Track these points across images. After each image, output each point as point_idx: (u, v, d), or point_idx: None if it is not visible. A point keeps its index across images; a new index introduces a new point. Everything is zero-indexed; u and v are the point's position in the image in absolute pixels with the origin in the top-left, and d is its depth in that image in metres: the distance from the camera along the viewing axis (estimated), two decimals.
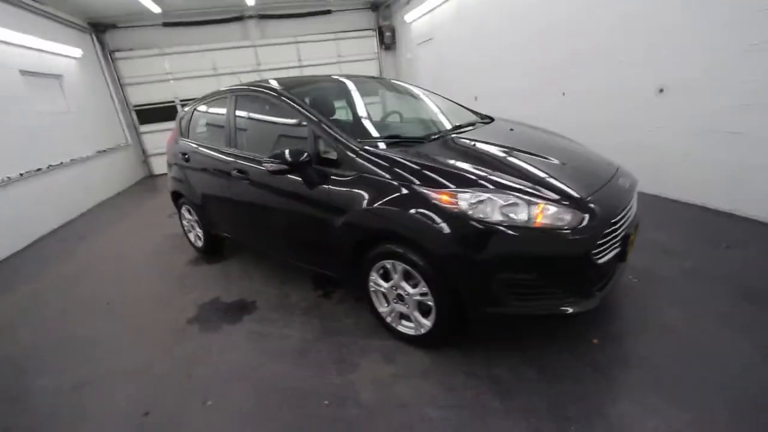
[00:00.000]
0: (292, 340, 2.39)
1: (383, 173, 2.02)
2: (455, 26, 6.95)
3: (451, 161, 2.01)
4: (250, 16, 9.00)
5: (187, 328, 2.66)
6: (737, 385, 1.70)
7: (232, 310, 2.83)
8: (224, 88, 3.25)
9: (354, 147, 2.16)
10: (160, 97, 8.91)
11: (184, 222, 3.99)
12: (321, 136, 2.30)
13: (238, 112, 2.96)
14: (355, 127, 2.61)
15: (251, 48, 9.20)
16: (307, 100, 2.57)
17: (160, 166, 9.16)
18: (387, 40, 9.77)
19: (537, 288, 1.77)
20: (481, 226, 1.72)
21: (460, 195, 1.79)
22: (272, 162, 2.25)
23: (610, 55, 4.08)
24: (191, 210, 3.68)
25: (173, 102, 8.98)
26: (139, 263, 3.91)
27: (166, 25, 8.50)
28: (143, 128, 9.05)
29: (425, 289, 1.94)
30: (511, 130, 2.68)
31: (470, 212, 1.75)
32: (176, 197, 3.92)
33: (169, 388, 2.11)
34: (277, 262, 3.41)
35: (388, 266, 2.07)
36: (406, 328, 2.18)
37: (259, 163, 2.62)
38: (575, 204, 1.78)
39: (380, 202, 1.97)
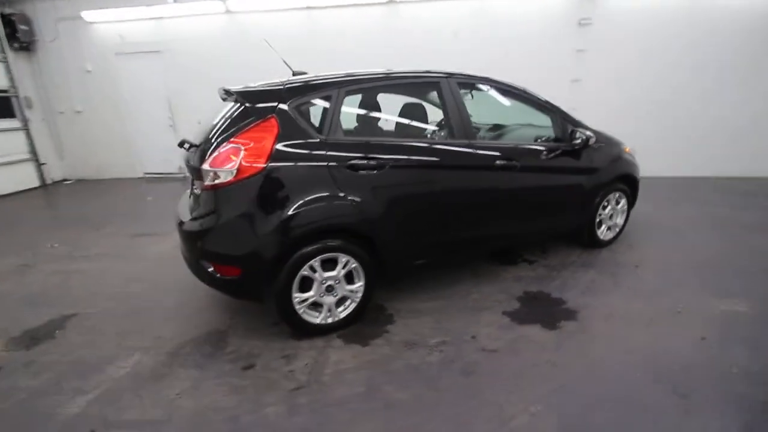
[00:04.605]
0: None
1: (609, 142, 3.30)
2: (216, 43, 6.31)
3: None
4: None
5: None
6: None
7: (548, 312, 2.61)
8: (418, 71, 2.54)
9: (590, 128, 3.18)
10: None
11: (298, 297, 2.15)
12: (570, 124, 3.03)
13: (465, 101, 2.60)
14: None
15: None
16: None
17: None
18: (23, 36, 6.29)
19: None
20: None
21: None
22: (581, 139, 2.83)
23: None
24: (350, 253, 2.21)
25: None
26: None
27: None
28: None
29: (625, 203, 3.49)
30: None
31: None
32: (287, 249, 2.05)
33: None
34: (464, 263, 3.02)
35: (613, 197, 3.36)
36: (602, 233, 3.50)
37: (530, 148, 2.83)
38: None
39: (621, 159, 3.28)
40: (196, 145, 2.24)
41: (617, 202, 3.43)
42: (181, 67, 6.47)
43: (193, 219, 2.17)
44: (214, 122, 2.27)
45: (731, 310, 2.51)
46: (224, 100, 2.61)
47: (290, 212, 2.02)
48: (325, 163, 2.10)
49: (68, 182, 7.17)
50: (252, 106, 2.05)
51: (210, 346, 2.25)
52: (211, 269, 2.09)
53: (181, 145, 2.45)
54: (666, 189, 5.45)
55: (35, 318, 2.61)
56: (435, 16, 5.87)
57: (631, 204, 3.55)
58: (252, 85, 2.23)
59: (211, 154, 2.00)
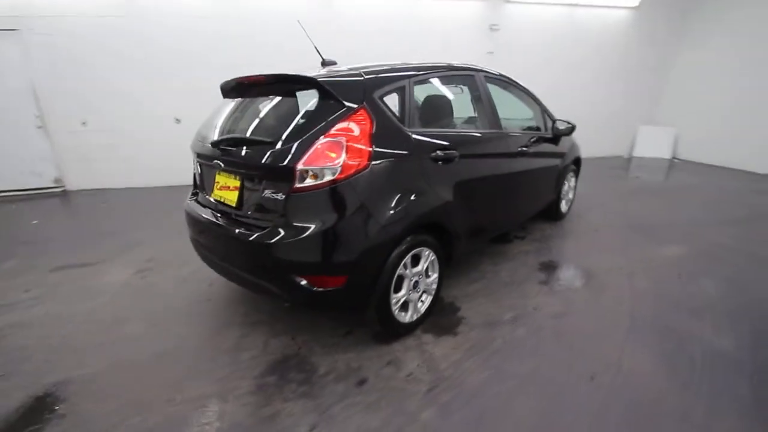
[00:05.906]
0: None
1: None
2: (106, 23, 5.13)
3: None
4: None
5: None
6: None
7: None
8: (460, 64, 2.69)
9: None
10: None
11: (394, 298, 2.04)
12: (547, 115, 3.50)
13: (494, 94, 2.78)
14: None
15: None
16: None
17: None
18: None
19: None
20: None
21: None
22: (565, 129, 3.30)
23: None
24: (431, 246, 2.19)
25: None
26: None
27: None
28: None
29: (574, 181, 4.21)
30: None
31: None
32: (392, 248, 1.93)
33: None
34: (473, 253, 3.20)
35: (569, 176, 4.01)
36: (563, 207, 4.17)
37: (535, 136, 3.14)
38: None
39: (574, 144, 3.93)
40: (253, 142, 1.91)
41: (570, 181, 4.13)
42: (54, 51, 5.05)
43: (268, 228, 1.84)
44: (270, 116, 2.00)
45: (675, 253, 3.33)
46: (227, 95, 2.28)
47: (395, 209, 1.91)
48: (417, 156, 2.04)
49: None
50: (341, 97, 1.84)
51: (297, 372, 1.96)
52: (304, 283, 1.82)
53: (217, 144, 2.03)
54: None
55: (4, 399, 1.84)
56: (359, 14, 5.92)
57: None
58: (318, 72, 1.99)
59: (303, 150, 1.73)
